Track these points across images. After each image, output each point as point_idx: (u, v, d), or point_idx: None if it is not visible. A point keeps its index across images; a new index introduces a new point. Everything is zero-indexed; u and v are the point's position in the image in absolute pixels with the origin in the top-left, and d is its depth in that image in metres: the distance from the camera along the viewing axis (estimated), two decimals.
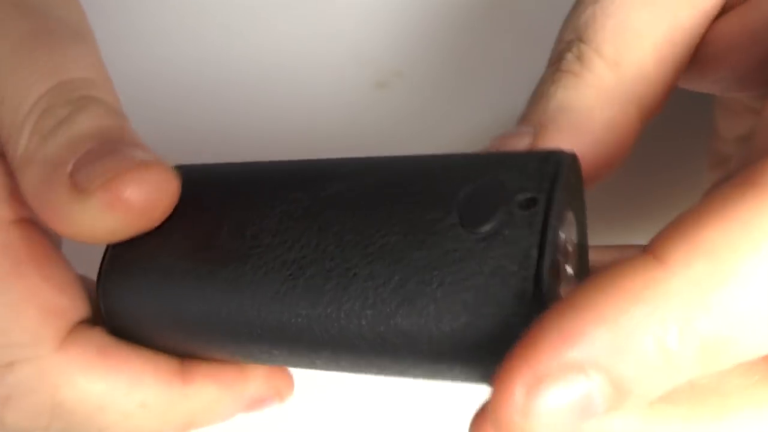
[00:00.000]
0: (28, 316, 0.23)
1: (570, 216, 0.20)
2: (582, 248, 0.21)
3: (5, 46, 0.23)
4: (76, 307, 0.24)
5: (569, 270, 0.20)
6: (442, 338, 0.19)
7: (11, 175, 0.23)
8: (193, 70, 0.32)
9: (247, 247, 0.21)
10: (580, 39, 0.22)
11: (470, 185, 0.19)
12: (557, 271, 0.19)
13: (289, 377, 0.26)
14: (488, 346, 0.18)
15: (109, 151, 0.22)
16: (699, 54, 0.23)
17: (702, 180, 0.29)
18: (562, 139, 0.21)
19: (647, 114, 0.23)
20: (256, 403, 0.26)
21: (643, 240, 0.17)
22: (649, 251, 0.16)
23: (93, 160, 0.22)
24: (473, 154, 0.21)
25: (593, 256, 0.22)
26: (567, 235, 0.20)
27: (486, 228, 0.19)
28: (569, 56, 0.22)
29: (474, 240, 0.19)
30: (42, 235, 0.24)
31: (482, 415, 0.18)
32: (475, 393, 0.19)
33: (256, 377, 0.25)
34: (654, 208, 0.31)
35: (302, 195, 0.21)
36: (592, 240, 0.22)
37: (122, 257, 0.23)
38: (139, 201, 0.22)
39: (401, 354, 0.20)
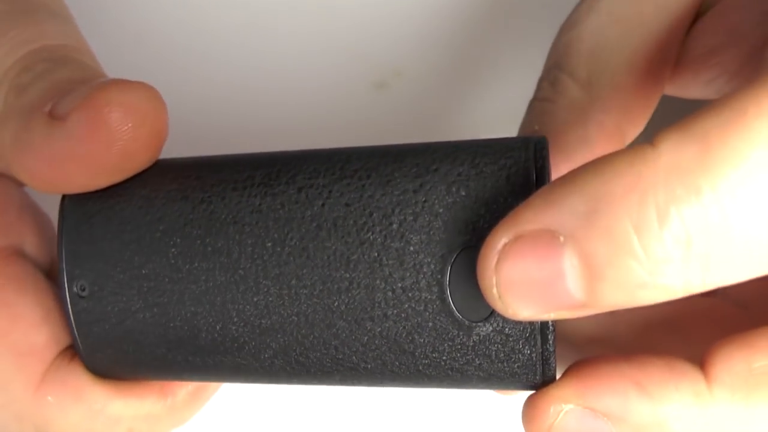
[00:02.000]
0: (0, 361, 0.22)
1: None
2: None
3: None
4: (56, 339, 0.23)
5: None
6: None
7: None
8: (193, 70, 0.32)
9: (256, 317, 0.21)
10: (557, 66, 0.23)
11: (456, 251, 0.19)
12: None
13: None
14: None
15: (86, 83, 0.20)
16: (685, 57, 0.23)
17: None
18: None
19: (630, 123, 0.23)
20: None
21: None
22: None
23: (70, 92, 0.20)
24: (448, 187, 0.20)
25: None
26: None
27: (482, 325, 0.19)
28: (544, 84, 0.23)
29: (474, 334, 0.19)
30: (19, 264, 0.23)
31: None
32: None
33: None
34: None
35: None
36: None
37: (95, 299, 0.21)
38: (121, 117, 0.19)
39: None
